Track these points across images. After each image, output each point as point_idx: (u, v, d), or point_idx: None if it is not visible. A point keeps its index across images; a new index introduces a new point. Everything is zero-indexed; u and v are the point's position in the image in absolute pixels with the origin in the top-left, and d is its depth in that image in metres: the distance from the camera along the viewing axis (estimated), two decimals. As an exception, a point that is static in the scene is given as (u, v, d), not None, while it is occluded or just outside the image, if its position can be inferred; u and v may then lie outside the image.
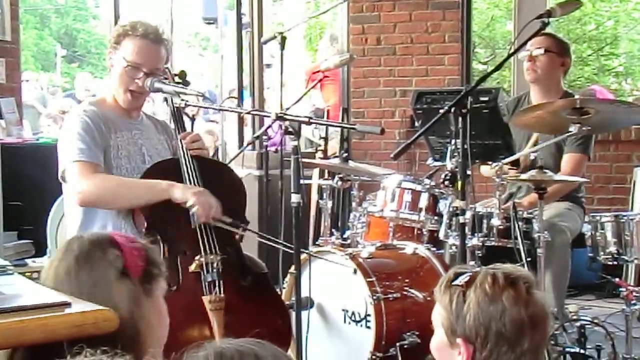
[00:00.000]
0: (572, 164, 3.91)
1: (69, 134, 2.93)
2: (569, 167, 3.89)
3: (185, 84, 3.14)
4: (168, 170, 2.94)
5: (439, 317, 1.88)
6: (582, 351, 3.27)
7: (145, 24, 3.03)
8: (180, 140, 2.99)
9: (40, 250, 4.53)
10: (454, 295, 1.84)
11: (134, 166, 3.02)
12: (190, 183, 2.88)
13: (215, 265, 2.78)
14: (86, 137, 2.90)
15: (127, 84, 3.00)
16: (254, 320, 2.75)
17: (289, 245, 2.89)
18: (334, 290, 3.41)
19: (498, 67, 3.44)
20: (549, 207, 3.48)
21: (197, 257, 2.79)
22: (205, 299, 2.72)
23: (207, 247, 2.80)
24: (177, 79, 3.15)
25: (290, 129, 2.74)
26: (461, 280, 1.86)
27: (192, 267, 2.79)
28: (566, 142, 3.88)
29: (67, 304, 1.52)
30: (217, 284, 2.76)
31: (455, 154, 3.06)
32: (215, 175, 3.01)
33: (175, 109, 3.08)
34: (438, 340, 1.89)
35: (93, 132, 2.92)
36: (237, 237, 2.99)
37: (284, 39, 4.05)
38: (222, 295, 2.74)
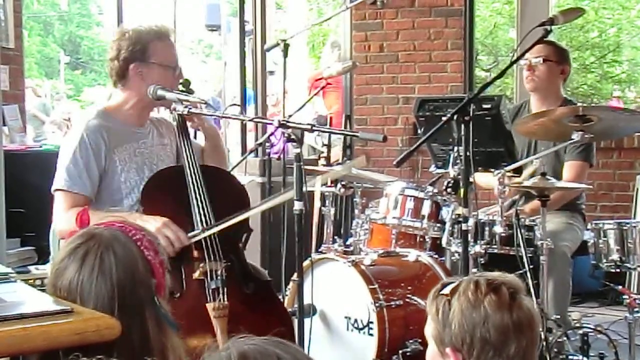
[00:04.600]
0: (573, 171, 3.90)
1: (66, 153, 2.96)
2: (571, 175, 3.88)
3: (190, 92, 3.15)
4: (172, 177, 2.95)
5: (429, 328, 1.89)
6: (585, 359, 3.26)
7: (159, 25, 3.12)
8: (184, 149, 3.00)
9: (43, 257, 4.54)
10: (440, 304, 1.85)
11: (142, 177, 3.02)
12: (194, 190, 2.88)
13: (219, 272, 2.77)
14: (79, 160, 2.92)
15: (173, 85, 3.07)
16: (257, 328, 2.73)
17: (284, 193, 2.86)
18: (336, 298, 3.41)
19: (500, 75, 3.44)
20: (549, 219, 3.47)
21: (201, 264, 2.79)
22: (209, 306, 2.72)
23: (211, 254, 2.80)
24: (181, 87, 3.16)
25: (293, 136, 2.73)
26: (447, 289, 1.86)
27: (196, 274, 2.78)
28: (566, 150, 3.87)
29: (69, 312, 1.52)
30: (221, 291, 2.75)
31: (458, 161, 3.06)
32: (219, 182, 3.02)
33: (179, 116, 3.08)
34: (430, 352, 1.90)
35: (89, 155, 2.93)
36: (240, 243, 2.99)
37: (286, 46, 4.05)
38: (226, 302, 2.74)
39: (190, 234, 2.79)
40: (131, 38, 3.03)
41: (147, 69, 3.03)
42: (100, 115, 3.06)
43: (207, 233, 2.81)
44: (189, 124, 3.13)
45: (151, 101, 3.06)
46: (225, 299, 2.74)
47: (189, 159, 2.97)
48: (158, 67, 3.03)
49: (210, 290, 2.75)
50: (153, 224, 2.71)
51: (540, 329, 2.84)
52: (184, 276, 2.79)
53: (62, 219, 2.91)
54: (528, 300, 1.86)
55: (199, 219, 2.84)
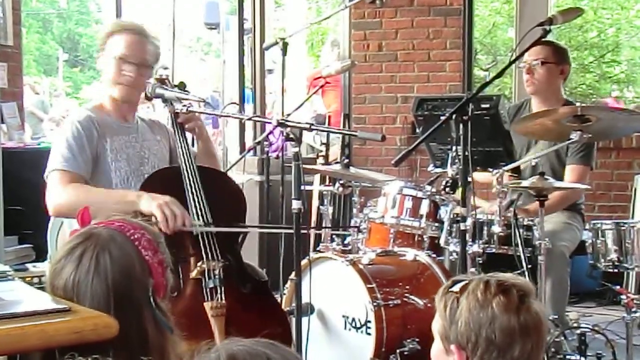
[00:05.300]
0: (575, 175, 3.88)
1: (59, 141, 3.00)
2: (572, 179, 3.86)
3: (185, 93, 3.15)
4: (169, 178, 2.96)
5: (436, 324, 1.90)
6: (582, 359, 3.26)
7: (130, 22, 3.17)
8: (182, 148, 3.01)
9: (41, 255, 4.52)
10: (448, 301, 1.86)
11: (133, 169, 3.08)
12: (192, 191, 2.89)
13: (217, 271, 2.77)
14: (74, 144, 2.96)
15: (117, 77, 3.05)
16: (254, 327, 2.73)
17: (285, 227, 2.88)
18: (334, 297, 3.41)
19: (499, 75, 3.44)
20: (548, 219, 3.47)
21: (198, 264, 2.79)
22: (207, 305, 2.72)
23: (209, 253, 2.80)
24: (176, 89, 3.16)
25: (292, 135, 2.73)
26: (457, 287, 1.86)
27: (194, 274, 2.79)
28: (568, 152, 3.87)
29: (67, 310, 1.52)
30: (218, 290, 2.75)
31: (456, 160, 3.06)
32: (216, 183, 3.03)
33: (175, 115, 3.09)
34: (436, 348, 1.91)
35: (82, 139, 2.98)
36: (237, 244, 3.00)
37: (285, 44, 4.04)
38: (224, 301, 2.74)
39: (191, 222, 2.79)
40: (102, 31, 3.15)
41: (103, 59, 3.10)
42: (90, 110, 3.14)
43: (207, 229, 2.82)
44: (186, 126, 3.13)
45: (126, 94, 3.08)
46: (223, 298, 2.74)
47: (186, 158, 2.97)
48: (112, 58, 3.05)
49: (208, 290, 2.76)
50: (158, 199, 2.75)
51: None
52: (181, 275, 2.79)
53: (60, 193, 2.89)
54: (537, 304, 1.86)
55: (196, 218, 2.85)
